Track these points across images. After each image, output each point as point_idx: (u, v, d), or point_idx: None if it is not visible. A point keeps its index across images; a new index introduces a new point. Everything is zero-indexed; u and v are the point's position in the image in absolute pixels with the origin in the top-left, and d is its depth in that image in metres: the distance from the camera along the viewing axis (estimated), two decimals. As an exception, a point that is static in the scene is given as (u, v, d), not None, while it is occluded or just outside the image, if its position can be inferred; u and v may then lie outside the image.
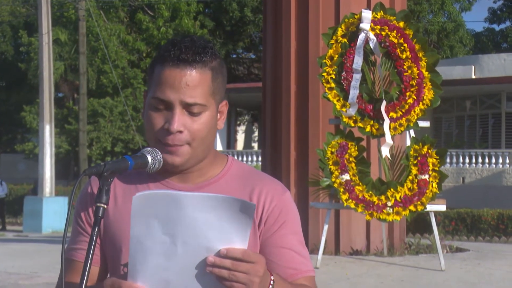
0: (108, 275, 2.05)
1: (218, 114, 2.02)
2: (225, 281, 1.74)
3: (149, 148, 1.96)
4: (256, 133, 39.51)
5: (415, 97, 9.49)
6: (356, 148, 9.77)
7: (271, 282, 1.83)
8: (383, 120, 9.55)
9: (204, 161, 2.02)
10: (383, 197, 9.47)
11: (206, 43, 1.97)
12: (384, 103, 9.52)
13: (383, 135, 9.66)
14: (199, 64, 1.93)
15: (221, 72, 2.00)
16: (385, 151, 9.67)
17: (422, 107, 9.53)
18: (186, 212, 1.73)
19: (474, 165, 26.66)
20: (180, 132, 1.94)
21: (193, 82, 1.93)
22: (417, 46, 9.57)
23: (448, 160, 26.12)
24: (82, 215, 2.08)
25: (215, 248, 1.74)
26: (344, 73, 9.69)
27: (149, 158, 1.93)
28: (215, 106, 1.99)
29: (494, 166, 26.37)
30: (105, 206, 1.84)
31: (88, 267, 1.79)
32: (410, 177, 9.48)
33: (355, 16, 9.76)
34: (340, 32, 9.81)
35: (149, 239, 1.76)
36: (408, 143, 9.91)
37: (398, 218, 9.50)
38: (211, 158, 2.05)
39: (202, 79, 1.94)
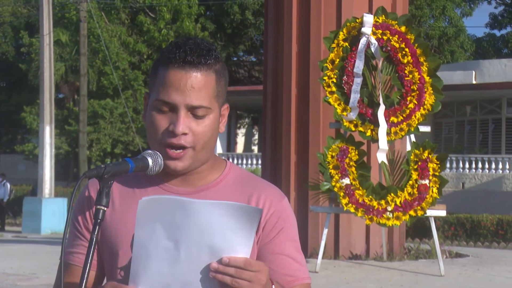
0: (105, 279, 2.04)
1: (220, 117, 2.01)
2: (228, 287, 1.73)
3: (150, 151, 1.94)
4: (256, 136, 39.48)
5: (416, 102, 9.48)
6: (356, 152, 9.75)
7: None
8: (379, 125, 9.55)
9: (204, 165, 2.01)
10: (383, 202, 9.46)
11: (210, 46, 1.96)
12: (382, 108, 9.50)
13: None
14: (204, 67, 1.92)
15: (224, 75, 1.99)
16: (381, 157, 9.65)
17: (423, 112, 9.52)
18: (191, 218, 1.72)
19: (474, 170, 26.63)
20: (185, 134, 1.92)
21: (198, 84, 1.91)
22: (418, 51, 9.56)
23: (448, 165, 26.09)
24: (79, 219, 2.06)
25: (218, 255, 1.73)
26: (345, 77, 9.69)
27: (150, 161, 1.92)
28: (218, 109, 1.99)
29: (494, 171, 26.34)
30: (105, 208, 1.82)
31: (87, 269, 1.78)
32: (411, 182, 9.47)
33: (357, 20, 9.76)
34: (341, 36, 9.80)
35: (153, 244, 1.75)
36: (409, 147, 9.89)
37: (398, 222, 9.49)
38: (211, 162, 2.04)
39: (207, 81, 1.93)
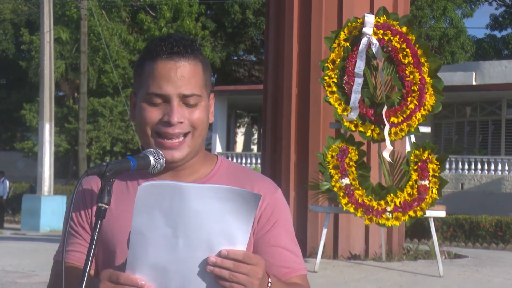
0: None
1: (209, 107, 2.04)
2: (224, 281, 1.73)
3: (151, 149, 1.94)
4: (255, 136, 39.51)
5: (416, 103, 9.48)
6: (356, 153, 9.75)
7: (269, 284, 1.83)
8: (384, 125, 9.54)
9: (195, 158, 2.02)
10: (382, 202, 9.46)
11: (192, 38, 2.01)
12: (385, 108, 9.50)
13: (383, 140, 9.64)
14: (191, 56, 1.96)
15: (208, 66, 2.04)
16: (386, 156, 9.66)
17: (424, 112, 9.51)
18: (189, 203, 1.71)
19: (473, 171, 26.65)
20: (181, 123, 1.94)
21: (188, 73, 1.94)
22: (419, 52, 9.56)
23: (447, 166, 26.09)
24: (73, 216, 2.05)
25: (216, 242, 1.73)
26: (346, 77, 9.68)
27: (152, 159, 1.92)
28: (207, 98, 2.02)
29: (493, 172, 26.36)
30: (107, 206, 1.81)
31: (88, 267, 1.77)
32: (410, 183, 9.47)
33: (358, 20, 9.75)
34: (342, 36, 9.79)
35: (151, 230, 1.73)
36: (409, 148, 9.89)
37: (397, 223, 9.49)
38: (201, 156, 2.05)
39: (195, 70, 1.96)
